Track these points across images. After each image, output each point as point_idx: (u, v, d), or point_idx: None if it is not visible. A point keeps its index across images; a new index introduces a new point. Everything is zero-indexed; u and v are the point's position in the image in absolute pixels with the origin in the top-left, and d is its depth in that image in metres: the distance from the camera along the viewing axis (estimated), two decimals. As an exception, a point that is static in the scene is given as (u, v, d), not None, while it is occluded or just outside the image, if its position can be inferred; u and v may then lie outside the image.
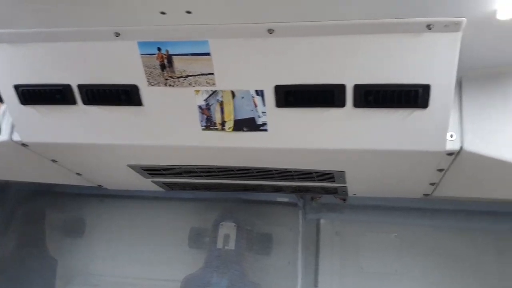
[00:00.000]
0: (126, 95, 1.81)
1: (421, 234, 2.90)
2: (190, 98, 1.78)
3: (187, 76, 1.73)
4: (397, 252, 2.90)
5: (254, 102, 1.76)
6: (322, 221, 3.01)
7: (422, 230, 2.90)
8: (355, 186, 2.48)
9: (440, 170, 2.05)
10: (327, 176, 2.28)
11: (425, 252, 2.88)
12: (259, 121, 1.81)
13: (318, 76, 1.65)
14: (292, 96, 1.71)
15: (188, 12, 1.50)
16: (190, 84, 1.75)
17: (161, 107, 1.84)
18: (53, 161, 2.35)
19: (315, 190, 2.72)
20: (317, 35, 1.55)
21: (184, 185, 2.73)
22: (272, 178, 2.42)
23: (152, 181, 2.66)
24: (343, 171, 2.19)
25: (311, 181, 2.40)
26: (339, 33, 1.53)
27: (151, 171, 2.45)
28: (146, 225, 3.21)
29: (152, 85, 1.77)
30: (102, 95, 1.82)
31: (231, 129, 1.85)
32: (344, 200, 2.97)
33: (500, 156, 1.75)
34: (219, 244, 2.83)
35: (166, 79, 1.75)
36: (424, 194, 2.53)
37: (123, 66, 1.74)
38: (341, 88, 1.66)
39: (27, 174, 2.70)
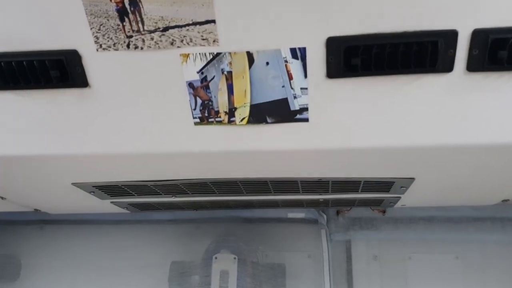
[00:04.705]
0: (58, 70, 1.17)
1: (491, 253, 2.35)
2: (173, 69, 1.15)
3: (166, 29, 1.10)
4: (460, 279, 2.36)
5: (288, 71, 1.11)
6: (353, 242, 2.47)
7: (492, 248, 2.36)
8: (413, 196, 1.81)
9: None
10: (384, 185, 1.59)
11: (497, 276, 2.34)
12: (296, 104, 1.14)
13: (405, 19, 1.02)
14: (357, 57, 1.06)
15: None
16: (172, 44, 1.12)
17: (120, 88, 1.18)
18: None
19: (349, 203, 2.03)
20: None
21: (160, 205, 2.06)
22: (293, 191, 1.74)
23: (112, 202, 2.00)
24: (412, 178, 1.49)
25: (351, 192, 1.74)
26: None
27: (110, 191, 1.78)
28: (105, 260, 2.58)
29: (103, 49, 1.14)
30: (19, 71, 1.17)
31: (245, 121, 1.19)
32: (384, 212, 2.34)
33: None
34: (214, 285, 2.21)
35: (129, 37, 1.11)
36: (503, 200, 1.88)
37: (52, 20, 1.10)
38: (450, 36, 1.02)
39: None
